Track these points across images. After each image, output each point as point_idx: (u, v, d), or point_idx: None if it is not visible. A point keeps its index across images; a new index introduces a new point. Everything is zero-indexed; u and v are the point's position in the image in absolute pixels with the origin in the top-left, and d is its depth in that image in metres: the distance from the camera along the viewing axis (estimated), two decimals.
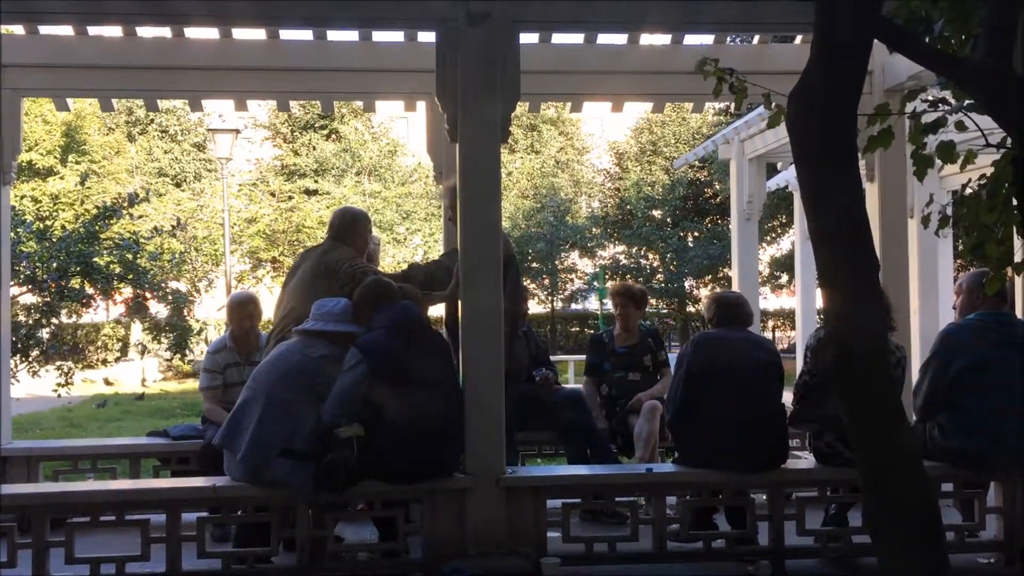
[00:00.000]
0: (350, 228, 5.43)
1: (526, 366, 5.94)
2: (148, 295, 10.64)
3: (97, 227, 9.83)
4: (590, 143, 34.13)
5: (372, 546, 4.82)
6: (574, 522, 4.93)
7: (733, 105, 3.84)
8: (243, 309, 5.98)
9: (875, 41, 3.44)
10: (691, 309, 26.74)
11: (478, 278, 4.81)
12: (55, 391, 9.89)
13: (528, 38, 5.56)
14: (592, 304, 27.92)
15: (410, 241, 25.78)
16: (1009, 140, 3.42)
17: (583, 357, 7.15)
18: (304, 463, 4.46)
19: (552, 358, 7.03)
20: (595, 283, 25.49)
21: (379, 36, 6.04)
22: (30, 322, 9.59)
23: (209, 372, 5.92)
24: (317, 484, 4.47)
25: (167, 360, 20.68)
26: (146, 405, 15.45)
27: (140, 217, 20.84)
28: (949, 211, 4.24)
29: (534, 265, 26.43)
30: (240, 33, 5.96)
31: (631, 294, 6.49)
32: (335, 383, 4.55)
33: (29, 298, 9.90)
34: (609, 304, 7.17)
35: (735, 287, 8.60)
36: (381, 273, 5.29)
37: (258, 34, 5.97)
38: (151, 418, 13.17)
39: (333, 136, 28.05)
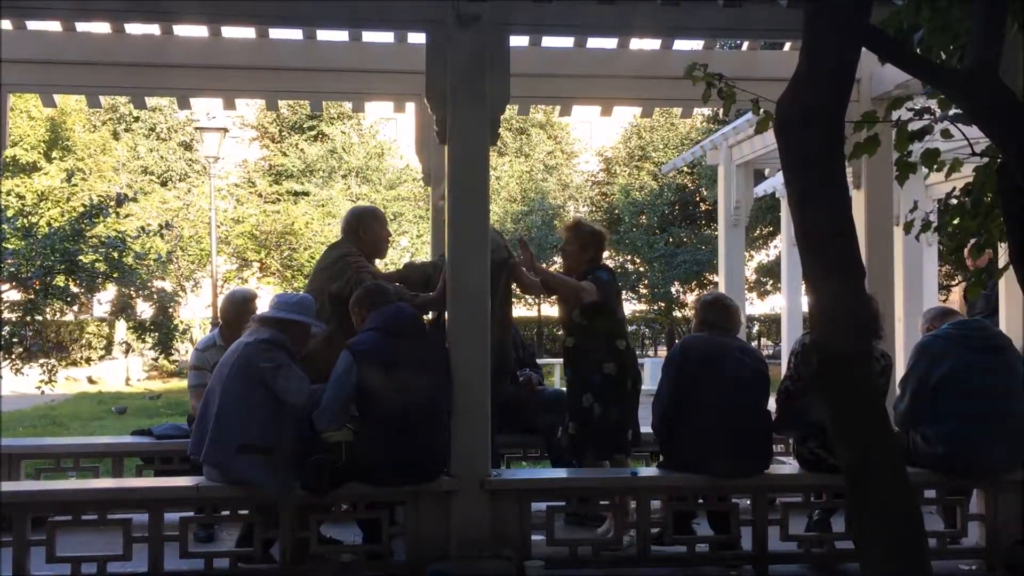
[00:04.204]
0: (352, 224, 5.44)
1: (511, 368, 5.93)
2: (134, 293, 10.60)
3: (83, 225, 9.79)
4: (578, 148, 34.17)
5: (356, 548, 4.81)
6: (558, 525, 4.94)
7: (722, 111, 3.85)
8: (247, 306, 5.95)
9: (864, 49, 3.46)
10: (677, 314, 26.81)
11: (466, 281, 4.80)
12: (38, 387, 9.83)
13: (518, 41, 5.56)
14: None
15: (397, 243, 25.74)
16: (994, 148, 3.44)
17: None
18: (266, 458, 4.46)
19: (538, 361, 7.03)
20: None
21: (369, 37, 6.03)
22: (13, 319, 9.54)
23: (198, 370, 5.87)
24: (302, 485, 4.48)
25: (151, 359, 20.59)
26: (129, 403, 15.36)
27: (127, 216, 20.75)
28: (933, 218, 4.27)
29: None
30: (229, 31, 5.94)
31: (578, 230, 5.70)
32: (326, 390, 4.54)
33: (13, 295, 9.85)
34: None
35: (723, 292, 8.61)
36: (378, 273, 5.28)
37: (247, 33, 5.96)
38: (135, 417, 13.11)
39: (320, 138, 27.99)
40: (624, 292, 28.84)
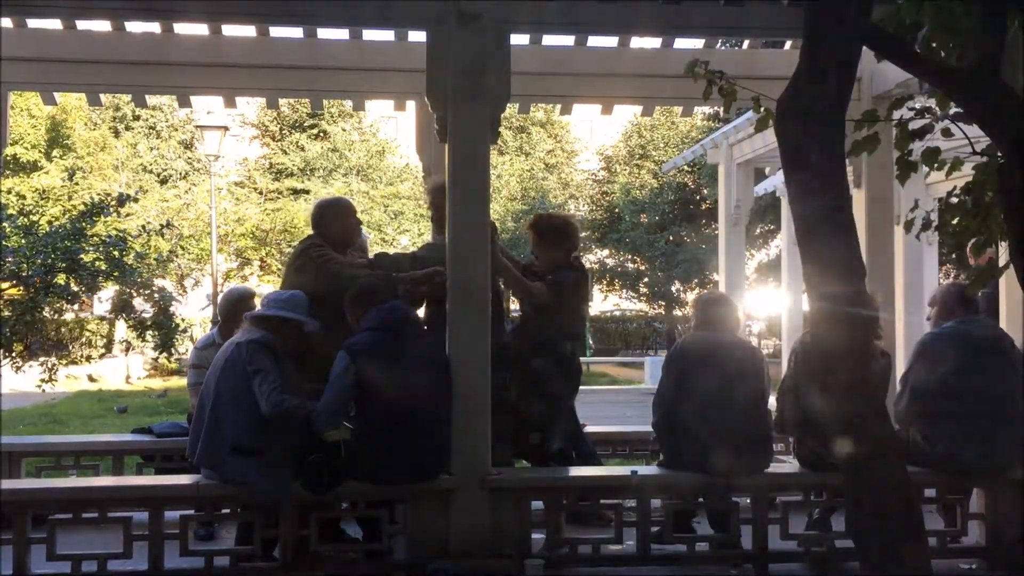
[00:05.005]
0: (316, 217, 5.39)
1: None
2: (134, 292, 10.60)
3: (83, 224, 9.77)
4: (579, 146, 34.17)
5: (356, 546, 4.80)
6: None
7: (723, 109, 3.85)
8: (244, 304, 5.93)
9: (864, 47, 3.46)
10: (677, 312, 26.81)
11: (466, 279, 4.79)
12: (39, 386, 9.84)
13: (518, 39, 5.55)
14: None
15: (398, 241, 25.76)
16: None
17: None
18: (259, 458, 4.46)
19: None
20: None
21: (369, 35, 6.04)
22: (14, 317, 9.53)
23: (197, 368, 5.87)
24: (301, 484, 4.48)
25: (151, 358, 20.56)
26: (130, 402, 15.37)
27: (127, 215, 20.72)
28: (933, 216, 4.27)
29: None
30: (229, 30, 5.94)
31: (539, 228, 5.57)
32: (326, 390, 4.52)
33: (13, 293, 9.83)
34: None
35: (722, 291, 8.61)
36: (345, 262, 5.18)
37: (248, 31, 5.96)
38: (135, 415, 13.11)
39: (321, 136, 28.02)
40: (624, 291, 28.96)
